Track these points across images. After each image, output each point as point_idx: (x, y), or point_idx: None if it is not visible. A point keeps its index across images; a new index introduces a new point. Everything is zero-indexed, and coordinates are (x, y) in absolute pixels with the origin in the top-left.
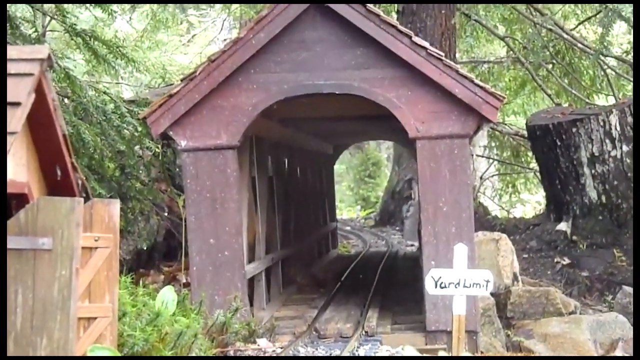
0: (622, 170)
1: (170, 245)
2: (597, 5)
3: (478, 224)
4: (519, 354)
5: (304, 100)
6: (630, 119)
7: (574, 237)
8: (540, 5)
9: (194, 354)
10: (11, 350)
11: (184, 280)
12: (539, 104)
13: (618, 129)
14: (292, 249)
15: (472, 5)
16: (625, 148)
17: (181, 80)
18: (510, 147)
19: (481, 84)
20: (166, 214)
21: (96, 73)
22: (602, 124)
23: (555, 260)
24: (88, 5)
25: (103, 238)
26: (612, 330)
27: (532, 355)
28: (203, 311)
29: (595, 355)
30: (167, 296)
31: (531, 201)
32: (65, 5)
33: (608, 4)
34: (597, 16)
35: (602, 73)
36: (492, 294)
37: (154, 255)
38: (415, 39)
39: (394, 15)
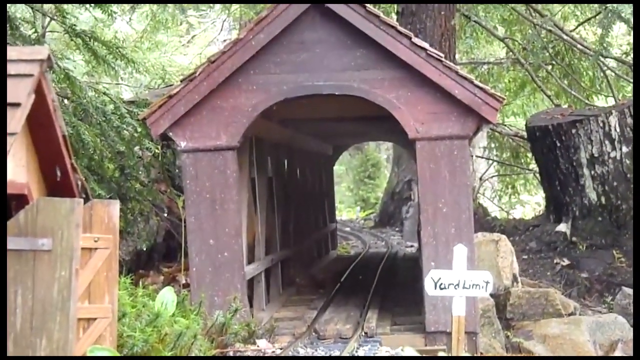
0: (622, 171)
1: (170, 246)
2: (596, 6)
3: (477, 225)
4: (519, 355)
5: (303, 101)
6: (629, 120)
7: (574, 238)
8: (540, 7)
9: (193, 355)
10: (11, 351)
11: (184, 281)
12: (539, 105)
13: (617, 130)
14: (292, 250)
15: (471, 6)
16: (624, 149)
17: (181, 81)
18: (510, 148)
19: (481, 85)
20: (166, 215)
21: (96, 74)
22: (601, 125)
23: (555, 261)
24: (88, 5)
25: (103, 239)
26: (612, 332)
27: (532, 356)
28: (202, 312)
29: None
30: (167, 297)
31: (531, 202)
32: (65, 6)
33: (607, 5)
34: (597, 17)
35: (602, 74)
36: (491, 295)
37: (154, 256)
38: (415, 40)
39: (394, 16)
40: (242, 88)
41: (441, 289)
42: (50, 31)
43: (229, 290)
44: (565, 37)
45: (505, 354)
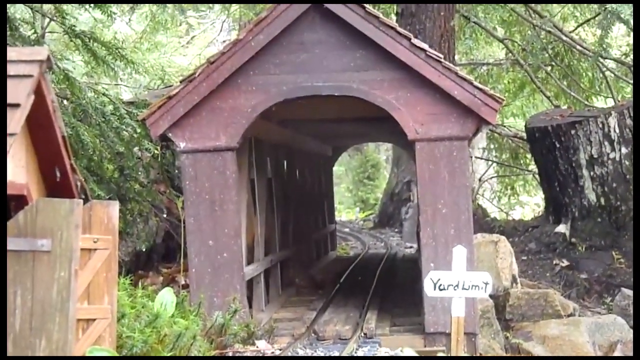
0: (621, 172)
1: (169, 246)
2: (596, 7)
3: (477, 226)
4: (518, 356)
5: (303, 102)
6: (629, 121)
7: (573, 239)
8: (539, 8)
9: (192, 356)
10: (10, 352)
11: (183, 282)
12: (538, 106)
13: (617, 131)
14: (291, 251)
15: (471, 7)
16: (624, 150)
17: (180, 82)
18: (509, 149)
19: (480, 86)
20: (165, 216)
21: (95, 74)
22: (600, 126)
23: (554, 262)
24: (87, 6)
25: (102, 239)
26: (611, 333)
27: (531, 356)
28: (202, 313)
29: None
30: (166, 298)
31: (530, 203)
32: (65, 7)
33: (607, 6)
34: (596, 18)
35: (601, 75)
36: (490, 296)
37: (153, 257)
38: (415, 41)
39: (393, 17)
40: (241, 89)
41: (440, 290)
42: (50, 32)
43: (228, 291)
44: (564, 38)
45: (504, 355)
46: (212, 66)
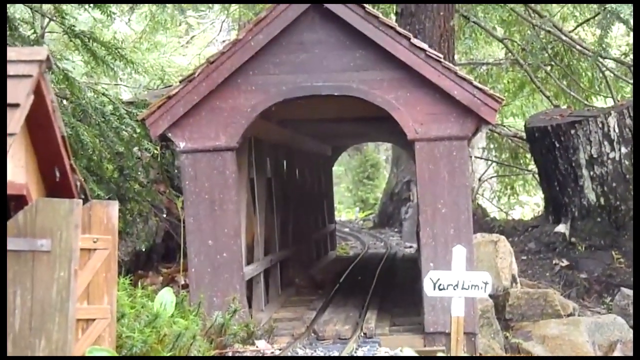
0: (621, 172)
1: (169, 246)
2: (595, 7)
3: (477, 225)
4: (518, 356)
5: (302, 101)
6: (628, 121)
7: (573, 239)
8: (539, 7)
9: (192, 356)
10: (10, 352)
11: (183, 282)
12: (538, 105)
13: (616, 130)
14: (291, 251)
15: (471, 7)
16: (623, 150)
17: (180, 82)
18: (509, 148)
19: (480, 85)
20: (165, 216)
21: (95, 74)
22: (600, 125)
23: (554, 262)
24: (87, 6)
25: (102, 239)
26: (611, 332)
27: (531, 356)
28: (201, 313)
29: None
30: (166, 298)
31: (530, 203)
32: (64, 7)
33: (606, 6)
34: (596, 18)
35: (601, 75)
36: (490, 296)
37: (153, 257)
38: (414, 40)
39: (393, 17)
40: (241, 89)
41: (440, 289)
42: (50, 32)
43: (228, 290)
44: (564, 37)
45: (504, 355)
46: (211, 66)
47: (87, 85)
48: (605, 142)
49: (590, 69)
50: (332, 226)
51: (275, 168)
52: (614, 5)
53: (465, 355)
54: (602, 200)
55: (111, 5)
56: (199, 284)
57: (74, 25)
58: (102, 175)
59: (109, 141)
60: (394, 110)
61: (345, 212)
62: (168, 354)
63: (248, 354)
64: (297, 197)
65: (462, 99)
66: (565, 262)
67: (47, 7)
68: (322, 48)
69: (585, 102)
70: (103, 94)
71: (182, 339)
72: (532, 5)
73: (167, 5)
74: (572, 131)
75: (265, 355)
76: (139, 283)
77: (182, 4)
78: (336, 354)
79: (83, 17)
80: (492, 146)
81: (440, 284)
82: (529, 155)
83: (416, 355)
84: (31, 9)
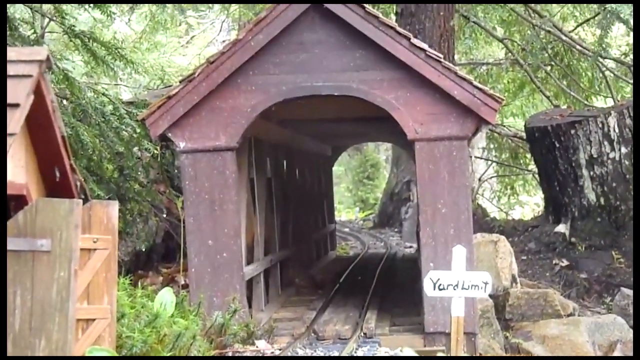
0: (621, 172)
1: (169, 246)
2: (595, 7)
3: (477, 225)
4: (518, 356)
5: (302, 101)
6: (628, 121)
7: (573, 239)
8: (539, 7)
9: (192, 356)
10: (10, 352)
11: (183, 282)
12: (538, 105)
13: (616, 130)
14: (291, 251)
15: (470, 7)
16: (623, 150)
17: (180, 82)
18: (509, 148)
19: (480, 85)
20: (165, 216)
21: (95, 74)
22: (600, 125)
23: (554, 262)
24: (87, 6)
25: (102, 239)
26: (611, 332)
27: (531, 356)
28: (201, 313)
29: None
30: (166, 298)
31: (530, 203)
32: (64, 7)
33: (606, 6)
34: (596, 18)
35: (601, 75)
36: (490, 296)
37: (153, 257)
38: (414, 40)
39: (393, 17)
40: (241, 89)
41: (440, 289)
42: (50, 32)
43: (228, 290)
44: (564, 37)
45: (504, 355)
46: (211, 66)
47: (87, 85)
48: (605, 142)
49: (590, 69)
50: (332, 226)
51: (275, 168)
52: (614, 5)
53: (465, 355)
54: (602, 200)
55: (111, 5)
56: (199, 284)
57: (74, 25)
58: (102, 175)
59: (109, 141)
60: (394, 110)
61: (345, 212)
62: (168, 354)
63: (248, 354)
64: (297, 197)
65: (462, 99)
66: (565, 262)
67: (47, 7)
68: (322, 48)
69: (585, 102)
70: (103, 94)
71: (182, 339)
72: (532, 5)
73: (167, 5)
74: (572, 131)
75: (265, 355)
76: (139, 283)
77: (182, 4)
78: (336, 354)
79: (83, 17)
80: (492, 146)
81: (440, 284)
82: (529, 155)
83: (416, 355)
84: (31, 9)
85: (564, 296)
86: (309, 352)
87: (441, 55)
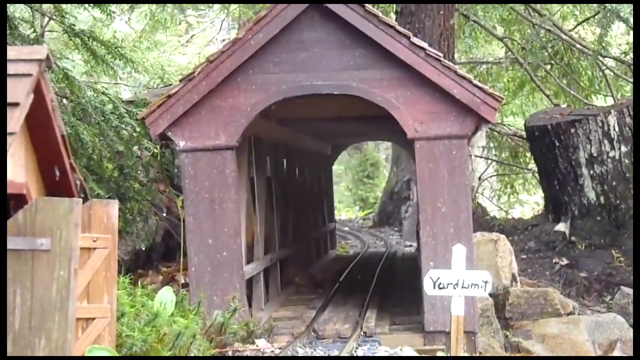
0: (621, 171)
1: (169, 245)
2: (595, 5)
3: (476, 224)
4: (518, 355)
5: (302, 100)
6: (628, 120)
7: (573, 238)
8: (538, 6)
9: (192, 355)
10: (9, 351)
11: (183, 281)
12: (538, 104)
13: (616, 129)
14: (291, 250)
15: (470, 6)
16: (623, 149)
17: (180, 81)
18: (509, 147)
19: (480, 84)
20: (165, 215)
21: (95, 73)
22: (600, 124)
23: (554, 260)
24: (87, 5)
25: (101, 239)
26: (611, 331)
27: (531, 355)
28: (201, 312)
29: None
30: (166, 297)
31: (530, 202)
32: (64, 6)
33: (606, 5)
34: (596, 17)
35: (601, 74)
36: (490, 295)
37: (153, 256)
38: (414, 39)
39: (393, 16)
40: (241, 88)
41: (440, 288)
42: (49, 31)
43: (228, 289)
44: (564, 36)
45: (504, 354)
46: (211, 65)
47: (87, 84)
48: (605, 141)
49: (590, 67)
50: (332, 225)
51: (275, 167)
52: (613, 4)
53: (465, 354)
54: (602, 199)
55: (111, 4)
56: (199, 283)
57: (73, 24)
58: (102, 174)
59: (109, 140)
60: (394, 109)
61: (345, 211)
62: (168, 353)
63: (248, 353)
64: (297, 196)
65: (462, 97)
66: (565, 261)
67: (46, 6)
68: (322, 47)
69: (585, 100)
70: (103, 93)
71: (182, 338)
72: (532, 4)
73: (167, 4)
74: (572, 130)
75: (265, 354)
76: (139, 282)
77: (182, 3)
78: (336, 353)
79: (83, 16)
80: (492, 145)
81: (440, 283)
82: (528, 154)
83: (416, 354)
84: (31, 8)
85: (563, 295)
86: (308, 351)
87: (441, 54)
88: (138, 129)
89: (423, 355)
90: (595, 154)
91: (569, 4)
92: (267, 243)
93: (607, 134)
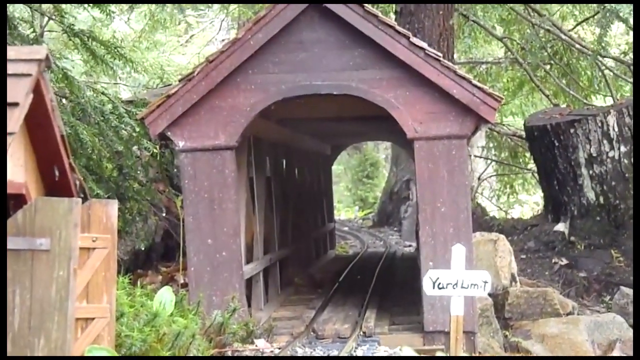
0: (620, 170)
1: (168, 245)
2: (595, 5)
3: (476, 224)
4: (517, 355)
5: (302, 100)
6: (628, 120)
7: (572, 238)
8: (538, 6)
9: (191, 355)
10: (9, 351)
11: (182, 281)
12: (537, 104)
13: (616, 129)
14: (290, 250)
15: (470, 6)
16: (623, 149)
17: (179, 81)
18: (508, 147)
19: (479, 84)
20: (164, 215)
21: (94, 73)
22: (599, 124)
23: (553, 260)
24: (86, 5)
25: (101, 238)
26: (610, 331)
27: (530, 355)
28: (201, 312)
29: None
30: (165, 297)
31: (529, 202)
32: (64, 6)
33: (606, 5)
34: (595, 17)
35: (600, 74)
36: (490, 295)
37: (152, 256)
38: (414, 39)
39: (392, 16)
40: (240, 88)
41: (439, 288)
42: (49, 31)
43: (227, 289)
44: (563, 36)
45: (503, 354)
46: (211, 65)
47: (87, 84)
48: (605, 141)
49: (589, 67)
50: (332, 225)
51: (275, 167)
52: (613, 4)
53: (465, 354)
54: (601, 199)
55: (110, 4)
56: (198, 283)
57: (73, 24)
58: (102, 174)
59: (108, 140)
60: (393, 109)
61: (345, 211)
62: (167, 353)
63: (247, 353)
64: (297, 196)
65: (461, 97)
66: (564, 261)
67: (46, 6)
68: (322, 47)
69: (585, 101)
70: (102, 93)
71: (182, 338)
72: (532, 4)
73: (167, 4)
74: (572, 130)
75: (264, 354)
76: (138, 282)
77: (182, 3)
78: (335, 353)
79: (82, 16)
80: (491, 145)
81: (440, 283)
82: (528, 154)
83: (415, 354)
84: (30, 7)
85: (563, 295)
86: (308, 351)
87: (440, 54)
88: (137, 129)
89: (422, 355)
90: (594, 154)
91: (569, 4)
92: (266, 243)
93: (606, 134)
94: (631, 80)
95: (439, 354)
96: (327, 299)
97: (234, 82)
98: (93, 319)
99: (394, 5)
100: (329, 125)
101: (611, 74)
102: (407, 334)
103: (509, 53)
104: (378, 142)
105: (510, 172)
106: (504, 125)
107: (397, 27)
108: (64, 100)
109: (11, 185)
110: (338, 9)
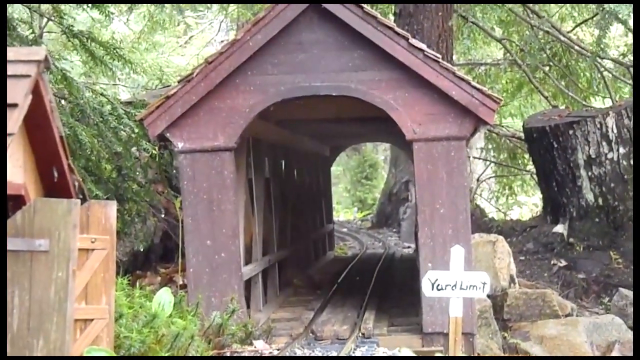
0: (619, 172)
1: (167, 246)
2: (594, 7)
3: (475, 226)
4: (516, 356)
5: (301, 102)
6: (627, 121)
7: (571, 239)
8: (537, 7)
9: (190, 356)
10: (8, 352)
11: (181, 282)
12: (536, 106)
13: (615, 131)
14: (289, 251)
15: (469, 7)
16: (622, 150)
17: (178, 82)
18: (507, 149)
19: (478, 86)
20: (163, 216)
21: (93, 74)
22: (598, 126)
23: (552, 262)
24: (85, 6)
25: (100, 240)
26: (609, 333)
27: (529, 357)
28: (200, 313)
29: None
30: (164, 298)
31: (528, 203)
32: (63, 7)
33: (605, 7)
34: (594, 18)
35: (599, 75)
36: (488, 296)
37: (151, 257)
38: (413, 41)
39: (391, 17)
40: (239, 89)
41: (438, 290)
42: (48, 32)
43: (226, 291)
44: (562, 38)
45: (502, 355)
46: (210, 66)
47: (86, 85)
48: (604, 143)
49: (588, 69)
50: (331, 226)
51: (274, 168)
52: (612, 6)
53: (463, 355)
54: (600, 200)
55: (109, 5)
56: (197, 284)
57: (72, 25)
58: (101, 175)
59: (107, 141)
60: (392, 110)
61: (344, 212)
62: (166, 354)
63: (246, 354)
64: (296, 197)
65: (460, 99)
66: (563, 263)
67: (45, 7)
68: (321, 48)
69: (584, 102)
70: (101, 94)
71: (180, 339)
72: (531, 5)
73: (166, 5)
74: (571, 131)
75: (263, 355)
76: (137, 283)
77: (181, 4)
78: (334, 354)
79: (81, 17)
80: (490, 146)
81: (439, 284)
82: (527, 156)
83: (414, 355)
84: (29, 8)
85: (562, 296)
86: (307, 353)
87: (439, 56)
88: (136, 130)
89: (421, 356)
90: (593, 156)
91: (568, 5)
92: (265, 244)
93: (605, 136)
94: (630, 81)
95: (437, 355)
96: (326, 300)
97: (233, 84)
98: (92, 320)
99: (393, 6)
100: (328, 127)
101: (610, 75)
102: (406, 335)
103: (508, 54)
104: (377, 144)
105: (509, 173)
106: (502, 126)
107: (396, 29)
108: (63, 101)
109: (10, 186)
110: (337, 10)
